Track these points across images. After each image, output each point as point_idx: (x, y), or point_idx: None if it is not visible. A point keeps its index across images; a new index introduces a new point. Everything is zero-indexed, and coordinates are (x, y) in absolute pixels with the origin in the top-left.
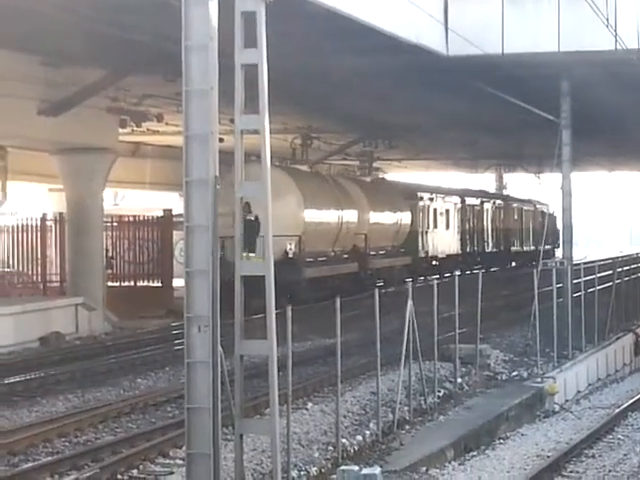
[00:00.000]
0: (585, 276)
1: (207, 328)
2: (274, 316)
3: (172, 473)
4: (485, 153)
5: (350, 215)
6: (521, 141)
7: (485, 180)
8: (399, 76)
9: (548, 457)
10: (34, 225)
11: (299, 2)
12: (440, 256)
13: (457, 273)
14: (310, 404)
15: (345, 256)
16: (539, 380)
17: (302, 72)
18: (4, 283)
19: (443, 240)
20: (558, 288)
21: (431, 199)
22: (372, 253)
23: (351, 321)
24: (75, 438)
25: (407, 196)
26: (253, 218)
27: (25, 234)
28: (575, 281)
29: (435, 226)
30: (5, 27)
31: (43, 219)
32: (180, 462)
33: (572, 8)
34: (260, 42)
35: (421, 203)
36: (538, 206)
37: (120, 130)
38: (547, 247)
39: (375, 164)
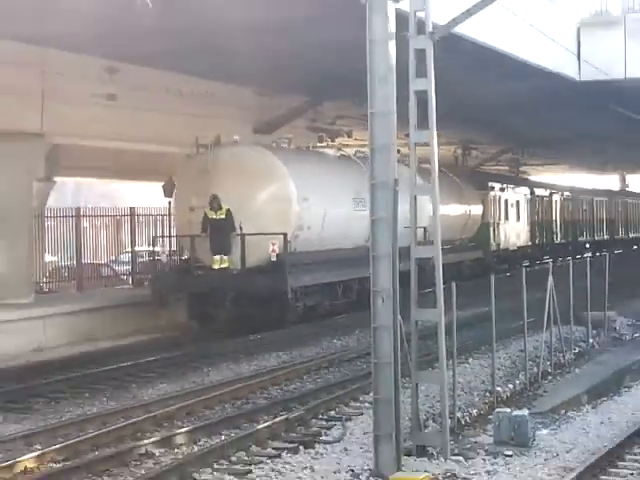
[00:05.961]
0: None
1: (389, 299)
2: (442, 289)
3: (362, 414)
4: (613, 160)
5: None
6: None
7: (609, 181)
8: (541, 98)
9: None
10: None
11: (460, 40)
12: (511, 248)
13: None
14: (471, 359)
15: None
16: None
17: (463, 96)
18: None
19: (514, 232)
20: None
21: (502, 189)
22: None
23: (503, 293)
24: (285, 386)
25: (478, 186)
26: (223, 216)
27: None
28: None
29: (507, 218)
30: (230, 64)
31: None
32: (368, 405)
33: None
34: (429, 73)
35: (492, 194)
36: (618, 197)
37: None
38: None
39: (521, 169)
